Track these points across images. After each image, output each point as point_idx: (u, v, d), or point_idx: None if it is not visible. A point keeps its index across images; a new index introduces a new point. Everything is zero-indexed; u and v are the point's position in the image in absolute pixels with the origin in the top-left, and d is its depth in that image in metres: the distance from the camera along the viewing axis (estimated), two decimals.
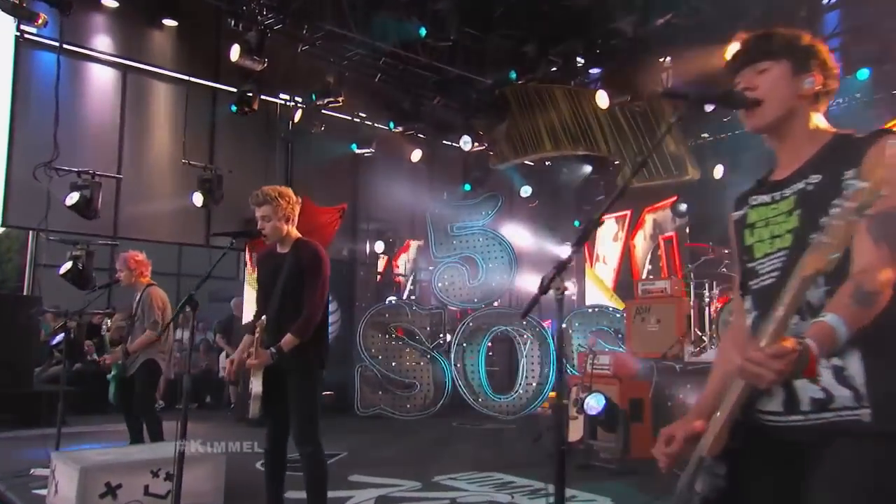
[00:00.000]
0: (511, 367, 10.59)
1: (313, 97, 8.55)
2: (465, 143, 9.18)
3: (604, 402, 5.40)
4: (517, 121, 9.00)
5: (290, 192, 3.72)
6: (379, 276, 11.35)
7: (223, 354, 11.66)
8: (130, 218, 9.22)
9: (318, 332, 3.58)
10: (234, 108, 9.27)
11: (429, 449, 7.31)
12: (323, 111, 9.54)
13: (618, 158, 7.88)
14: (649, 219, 12.91)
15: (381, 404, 9.75)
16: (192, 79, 9.72)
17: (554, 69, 8.73)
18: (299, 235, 3.70)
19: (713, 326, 6.43)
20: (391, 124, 9.09)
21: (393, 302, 10.12)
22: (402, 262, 11.70)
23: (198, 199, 9.16)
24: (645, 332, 7.95)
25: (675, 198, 12.13)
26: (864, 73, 7.91)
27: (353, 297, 10.95)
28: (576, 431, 5.99)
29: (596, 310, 10.36)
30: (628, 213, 13.16)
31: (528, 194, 10.85)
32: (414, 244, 11.64)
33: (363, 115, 9.17)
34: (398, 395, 9.81)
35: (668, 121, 7.74)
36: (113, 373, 5.41)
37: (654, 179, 7.54)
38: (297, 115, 9.29)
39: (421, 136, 9.51)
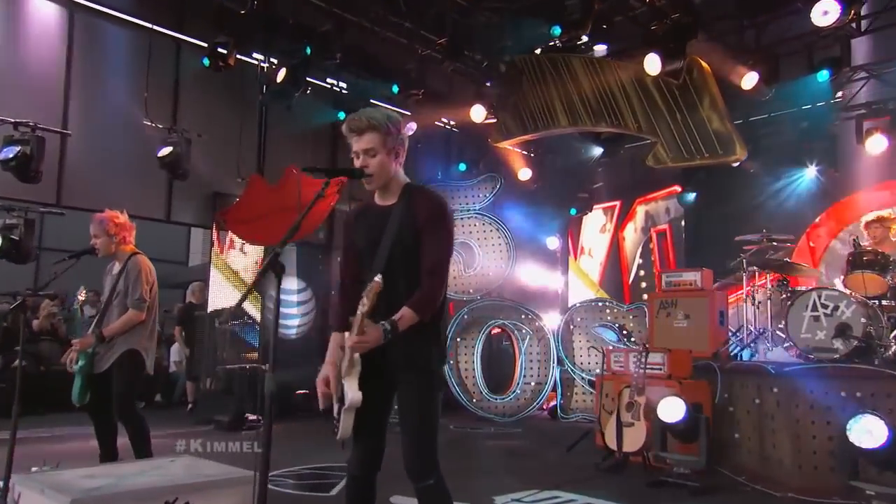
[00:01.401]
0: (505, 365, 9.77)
1: (307, 50, 7.43)
2: (477, 113, 8.24)
3: (685, 408, 4.65)
4: (527, 93, 8.20)
5: (400, 119, 2.74)
6: None
7: (174, 347, 10.35)
8: (77, 183, 7.83)
9: (439, 313, 2.63)
10: (205, 61, 8.03)
11: (454, 460, 6.39)
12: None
13: (650, 136, 7.20)
14: (641, 210, 12.37)
15: None
16: (155, 27, 8.39)
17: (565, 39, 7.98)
18: (407, 179, 2.71)
19: (780, 321, 5.81)
20: (394, 87, 8.08)
21: None
22: None
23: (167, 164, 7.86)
24: (671, 328, 7.31)
25: (672, 187, 11.68)
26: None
27: (329, 287, 9.89)
28: (633, 441, 5.22)
29: (599, 304, 9.66)
30: (617, 203, 12.60)
31: (527, 177, 10.05)
32: None
33: (363, 76, 8.09)
34: None
35: (712, 92, 7.19)
36: (79, 363, 4.20)
37: (695, 160, 6.91)
38: (281, 75, 8.13)
39: (424, 105, 8.50)
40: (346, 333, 2.51)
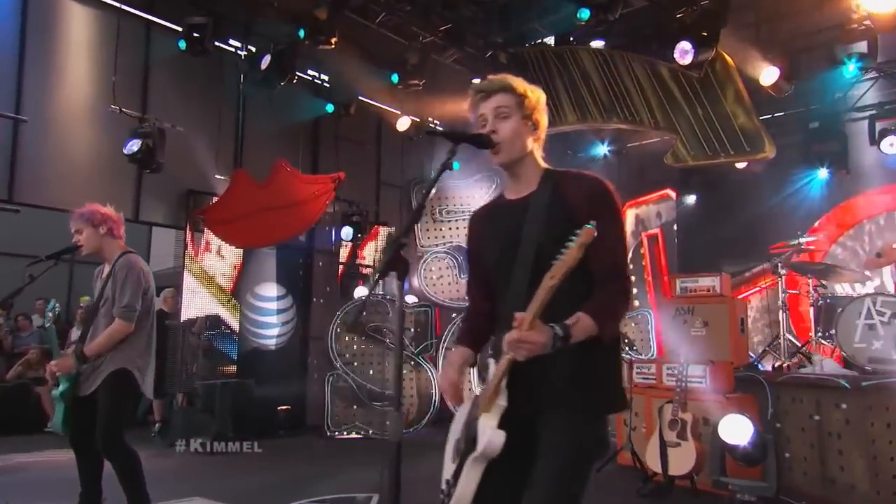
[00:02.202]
0: None
1: (301, 34, 6.72)
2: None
3: (752, 428, 4.16)
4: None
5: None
6: (341, 268, 9.60)
7: None
8: (33, 177, 6.93)
9: (618, 337, 1.97)
10: (182, 44, 7.27)
11: None
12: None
13: (669, 132, 6.76)
14: (631, 214, 12.00)
15: (357, 421, 8.04)
16: (123, 6, 7.55)
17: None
18: (541, 162, 2.06)
19: (825, 329, 5.41)
20: (394, 77, 7.43)
21: (377, 296, 8.43)
22: (368, 253, 10.00)
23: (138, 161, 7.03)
24: (688, 336, 6.86)
25: (664, 190, 11.35)
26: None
27: (310, 292, 9.16)
28: (680, 463, 4.71)
29: None
30: None
31: None
32: (383, 231, 9.99)
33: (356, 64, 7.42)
34: (376, 410, 8.14)
35: (737, 86, 6.81)
36: (61, 389, 3.47)
37: (719, 157, 6.49)
38: (266, 61, 7.41)
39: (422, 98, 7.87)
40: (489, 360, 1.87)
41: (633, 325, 8.78)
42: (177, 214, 8.05)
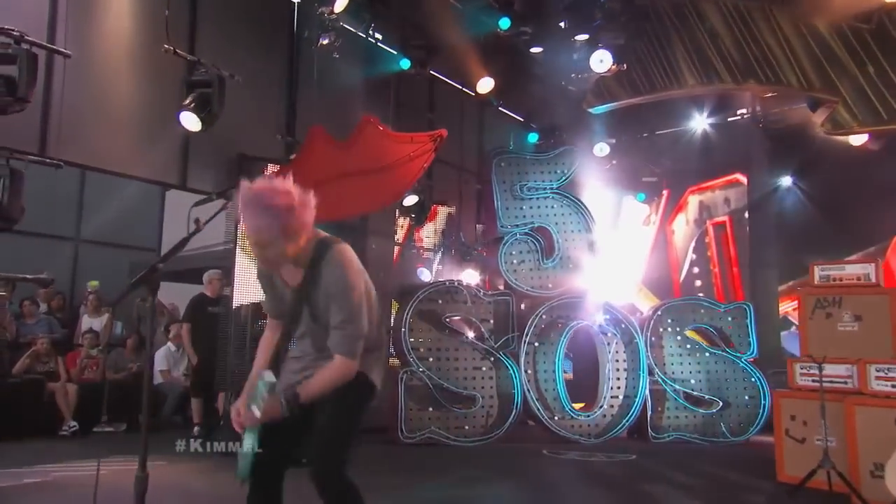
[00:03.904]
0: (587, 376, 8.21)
1: None
2: (601, 62, 6.50)
3: None
4: (642, 46, 6.67)
5: None
6: (397, 249, 8.47)
7: (161, 351, 8.18)
8: (67, 128, 5.64)
9: None
10: None
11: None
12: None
13: (828, 93, 5.83)
14: (693, 200, 11.15)
15: (432, 426, 6.94)
16: None
17: None
18: None
19: None
20: (504, 22, 6.30)
21: (454, 283, 7.32)
22: (427, 234, 8.88)
23: (190, 119, 5.80)
24: (834, 331, 5.92)
25: (733, 175, 10.48)
26: None
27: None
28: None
29: (692, 303, 8.22)
30: (665, 193, 11.32)
31: (605, 152, 8.52)
32: (442, 211, 8.87)
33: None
34: (453, 414, 7.06)
35: None
36: (249, 445, 2.23)
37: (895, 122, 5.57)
38: (341, 4, 6.22)
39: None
40: None
41: (729, 318, 7.83)
42: (227, 182, 6.80)
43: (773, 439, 5.49)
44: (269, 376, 2.27)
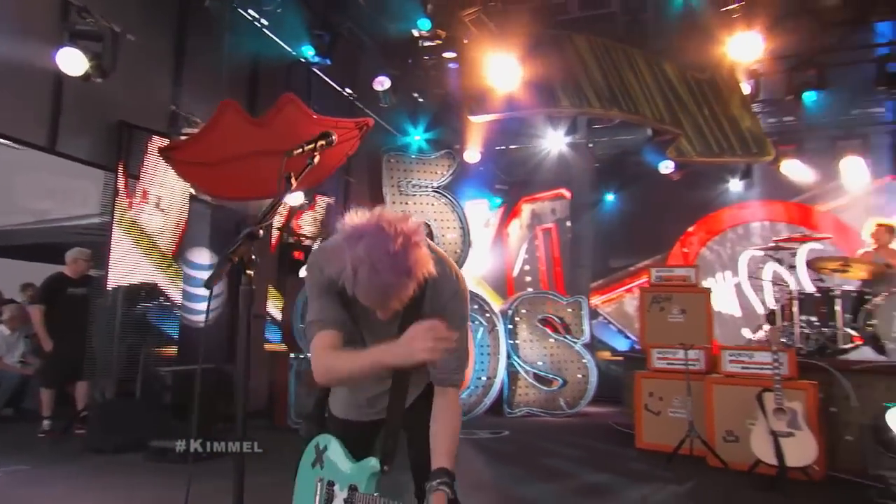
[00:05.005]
0: None
1: None
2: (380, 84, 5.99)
3: None
4: (525, 67, 6.57)
5: None
6: (276, 235, 7.49)
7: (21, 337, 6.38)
8: None
9: None
10: None
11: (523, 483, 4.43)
12: None
13: (674, 127, 6.15)
14: (527, 208, 11.48)
15: None
16: None
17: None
18: None
19: (860, 320, 5.17)
20: (424, 23, 5.63)
21: None
22: (306, 222, 7.96)
23: (70, 59, 4.46)
24: (665, 322, 6.37)
25: (558, 189, 10.98)
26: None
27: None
28: (800, 454, 4.05)
29: (541, 296, 8.38)
30: (507, 200, 11.53)
31: (475, 160, 8.32)
32: (322, 201, 8.04)
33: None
34: None
35: (742, 90, 6.43)
36: None
37: (725, 156, 6.07)
38: None
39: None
40: None
41: (569, 311, 8.11)
42: (105, 151, 5.40)
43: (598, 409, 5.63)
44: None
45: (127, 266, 5.36)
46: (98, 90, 4.93)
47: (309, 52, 6.27)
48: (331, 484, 1.81)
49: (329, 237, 1.81)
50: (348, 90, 8.20)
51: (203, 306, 6.41)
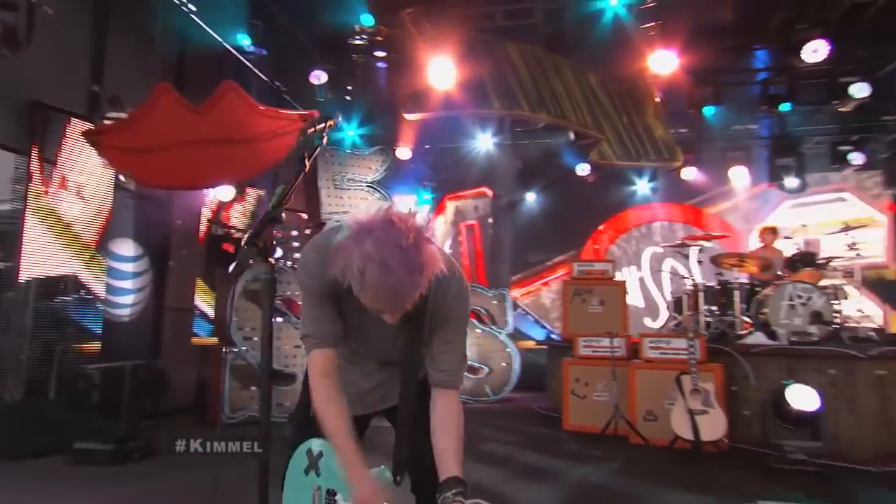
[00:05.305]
0: None
1: None
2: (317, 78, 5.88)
3: (819, 397, 3.95)
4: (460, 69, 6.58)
5: None
6: (205, 228, 7.04)
7: None
8: None
9: None
10: None
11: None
12: None
13: (597, 132, 6.38)
14: (451, 205, 11.54)
15: (254, 405, 5.88)
16: None
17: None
18: None
19: (754, 309, 5.62)
20: (367, 19, 5.39)
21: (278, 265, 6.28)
22: (235, 214, 7.52)
23: None
24: (585, 313, 6.70)
25: (480, 188, 11.15)
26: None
27: (167, 254, 6.50)
28: (711, 429, 4.36)
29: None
30: (434, 197, 11.53)
31: (406, 157, 8.20)
32: (253, 193, 7.64)
33: None
34: (274, 392, 6.07)
35: (655, 102, 6.77)
36: None
37: (641, 160, 6.37)
38: None
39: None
40: None
41: (493, 302, 8.27)
42: (16, 132, 4.80)
43: (521, 395, 5.82)
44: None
45: (42, 257, 4.80)
46: (8, 66, 4.37)
47: (244, 40, 5.90)
48: (331, 493, 1.68)
49: (321, 233, 1.67)
50: (278, 83, 7.82)
51: (129, 299, 5.91)
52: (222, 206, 7.18)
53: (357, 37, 6.13)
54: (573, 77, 6.64)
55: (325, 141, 1.52)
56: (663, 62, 6.00)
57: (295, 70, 7.22)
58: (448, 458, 1.59)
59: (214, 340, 6.14)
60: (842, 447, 4.36)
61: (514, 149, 9.55)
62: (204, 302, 6.97)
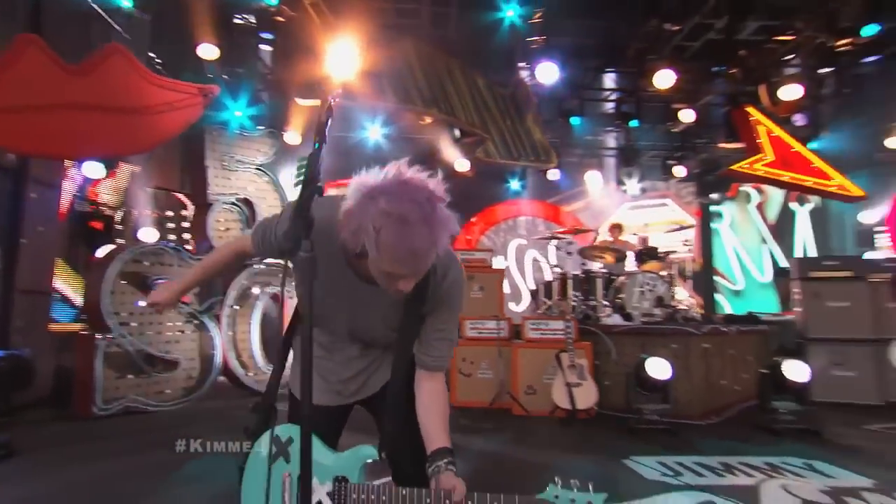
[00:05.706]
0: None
1: None
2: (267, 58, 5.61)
3: (671, 367, 4.48)
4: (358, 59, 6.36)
5: None
6: (69, 201, 6.10)
7: None
8: None
9: None
10: None
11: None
12: None
13: (483, 132, 6.50)
14: (333, 193, 11.18)
15: (130, 394, 5.25)
16: None
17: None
18: None
19: (612, 295, 6.16)
20: None
21: (159, 245, 5.60)
22: (104, 191, 6.56)
23: None
24: (468, 298, 6.97)
25: None
26: None
27: (18, 232, 5.53)
28: (585, 399, 4.78)
29: None
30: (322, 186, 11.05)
31: (296, 142, 7.71)
32: (126, 168, 6.74)
33: None
34: (153, 379, 5.47)
35: (534, 108, 7.03)
36: None
37: (520, 160, 6.62)
38: None
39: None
40: None
41: None
42: None
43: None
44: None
45: None
46: None
47: (125, 2, 5.13)
48: None
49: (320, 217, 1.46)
50: (152, 54, 6.94)
51: None
52: (88, 181, 6.24)
53: (251, 14, 5.65)
54: (463, 78, 6.78)
55: (329, 120, 1.39)
56: (546, 73, 6.38)
57: (176, 42, 6.47)
58: (437, 431, 1.58)
59: (79, 326, 5.33)
60: (680, 408, 5.04)
61: (403, 142, 9.52)
62: (66, 285, 6.02)
